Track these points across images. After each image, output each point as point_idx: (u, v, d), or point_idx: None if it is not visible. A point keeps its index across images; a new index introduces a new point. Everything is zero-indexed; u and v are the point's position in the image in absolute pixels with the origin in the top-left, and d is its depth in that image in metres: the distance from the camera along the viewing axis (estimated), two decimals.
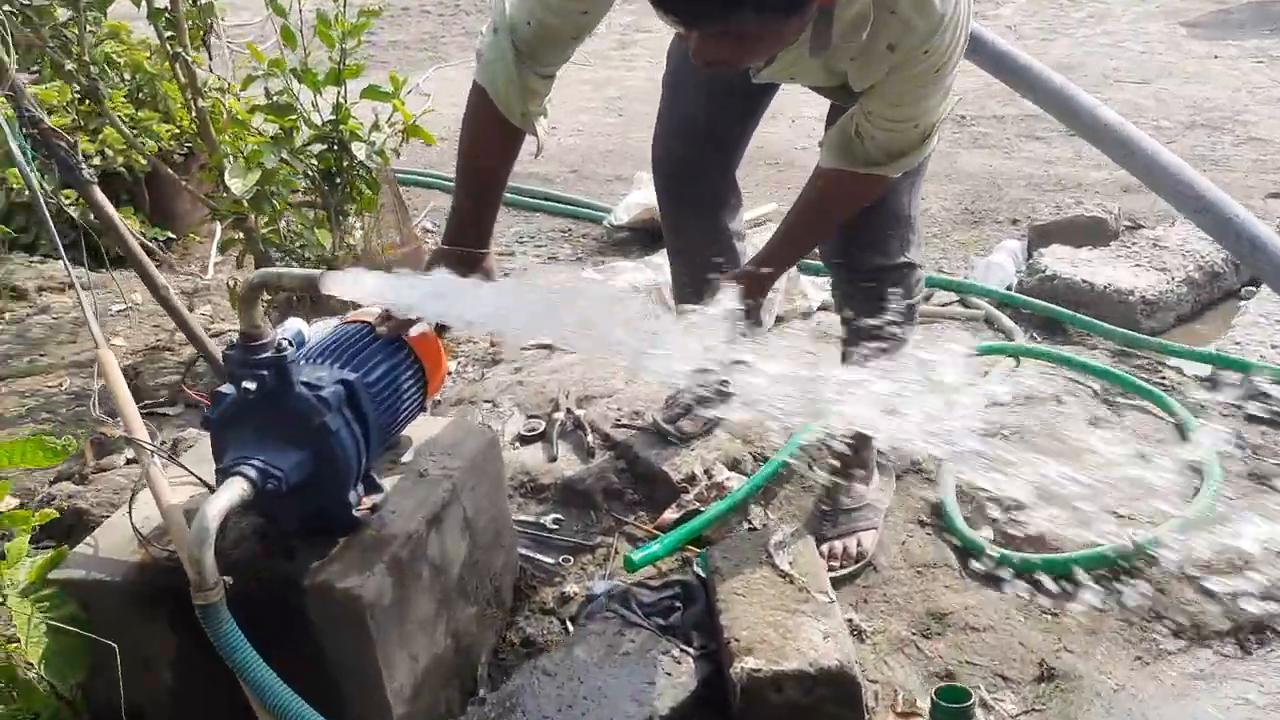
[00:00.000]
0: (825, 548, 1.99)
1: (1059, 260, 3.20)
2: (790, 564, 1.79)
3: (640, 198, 3.94)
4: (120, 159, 3.56)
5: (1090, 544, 1.89)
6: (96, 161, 3.59)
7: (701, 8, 1.19)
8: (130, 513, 1.59)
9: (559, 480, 2.24)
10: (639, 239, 3.93)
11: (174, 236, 3.88)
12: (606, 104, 6.20)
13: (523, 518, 2.16)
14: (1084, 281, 3.06)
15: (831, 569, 1.95)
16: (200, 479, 1.59)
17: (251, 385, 1.45)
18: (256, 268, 2.76)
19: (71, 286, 3.39)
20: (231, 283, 2.73)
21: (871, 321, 1.94)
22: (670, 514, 2.13)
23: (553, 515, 2.16)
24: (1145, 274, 3.10)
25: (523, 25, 1.56)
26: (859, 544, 2.01)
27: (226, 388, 1.50)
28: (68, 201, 3.51)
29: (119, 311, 3.16)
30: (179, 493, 1.60)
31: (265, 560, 1.55)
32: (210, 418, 1.52)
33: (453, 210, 1.77)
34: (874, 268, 1.93)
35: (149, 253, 3.77)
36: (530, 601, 1.97)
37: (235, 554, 1.55)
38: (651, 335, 1.18)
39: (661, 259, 3.04)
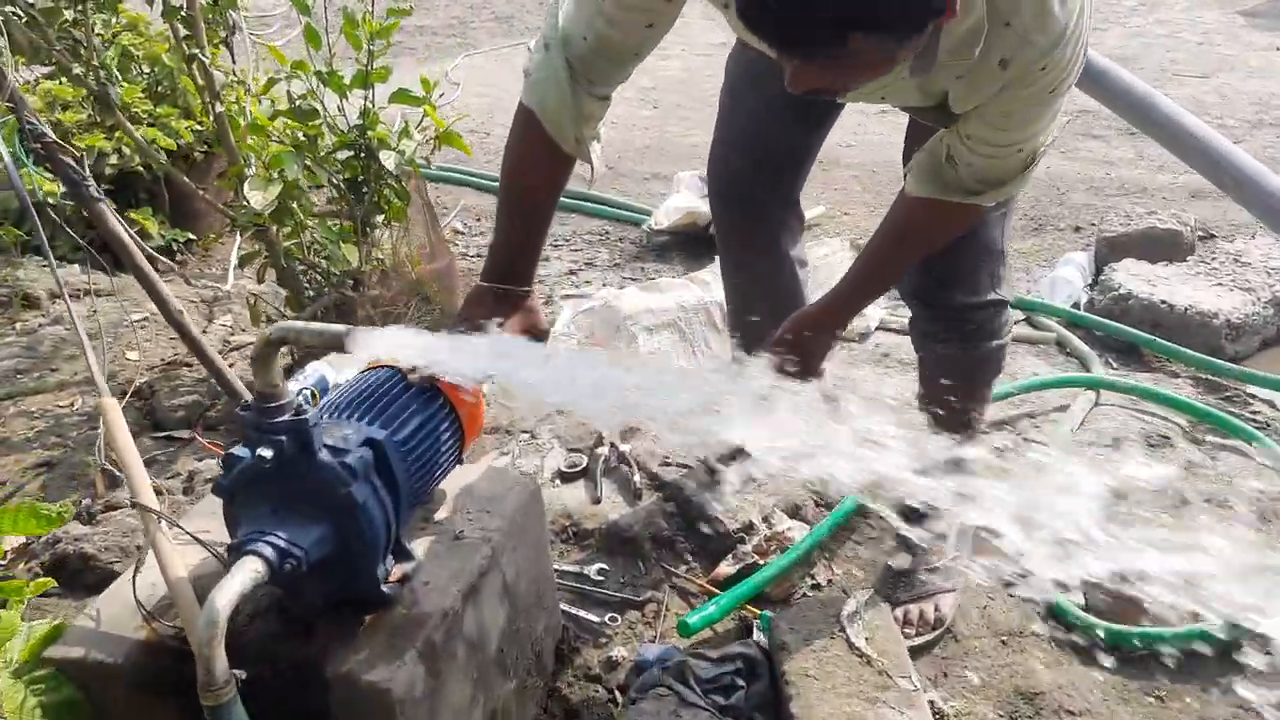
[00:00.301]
0: (900, 612, 1.81)
1: (1133, 277, 2.98)
2: (867, 640, 1.61)
3: (681, 201, 3.75)
4: (137, 158, 3.40)
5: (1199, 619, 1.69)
6: (114, 160, 3.44)
7: (809, 35, 1.00)
8: (135, 581, 1.43)
9: (603, 525, 2.07)
10: (679, 244, 3.74)
11: (195, 238, 3.72)
12: (641, 95, 5.99)
13: (564, 567, 1.98)
14: (1162, 302, 2.84)
15: (906, 636, 1.76)
16: (211, 550, 1.41)
17: (268, 453, 1.27)
18: (278, 281, 2.59)
19: (88, 293, 3.26)
20: (251, 299, 2.56)
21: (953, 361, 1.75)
22: (726, 567, 1.95)
23: (597, 565, 1.98)
24: (1228, 294, 2.88)
25: (578, 40, 1.37)
26: (937, 609, 1.82)
27: (240, 450, 1.33)
28: None
29: (136, 321, 3.00)
30: (189, 553, 1.44)
31: (283, 642, 1.38)
32: (222, 485, 1.34)
33: (494, 241, 1.58)
34: (960, 306, 1.73)
35: (168, 256, 3.63)
36: (573, 665, 1.80)
37: (249, 632, 1.39)
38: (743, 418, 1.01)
39: (709, 275, 2.85)
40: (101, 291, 3.14)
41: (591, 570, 1.97)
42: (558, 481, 2.21)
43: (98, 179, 3.43)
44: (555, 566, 1.94)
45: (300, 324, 1.30)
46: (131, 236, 2.11)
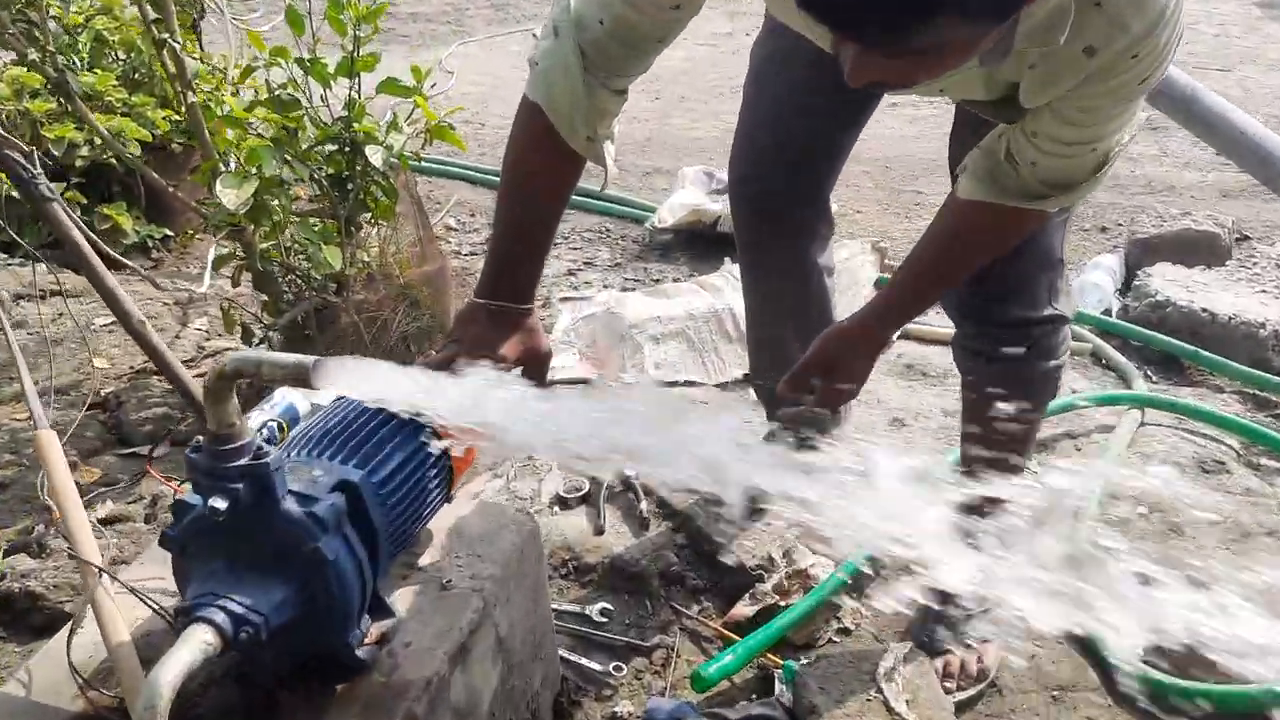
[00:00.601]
0: (939, 663, 1.62)
1: (1170, 283, 2.80)
2: (908, 702, 1.43)
3: (686, 197, 3.57)
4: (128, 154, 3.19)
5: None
6: (85, 151, 3.24)
7: (883, 19, 0.81)
8: (69, 644, 1.24)
9: (607, 559, 1.88)
10: (684, 243, 3.55)
11: (172, 234, 3.52)
12: (641, 85, 5.76)
13: (563, 607, 1.80)
14: (1203, 310, 2.66)
15: (946, 690, 1.58)
16: (158, 610, 1.23)
17: (221, 504, 1.08)
18: (255, 285, 2.40)
19: (56, 294, 3.06)
20: (226, 305, 2.37)
21: (1003, 389, 1.57)
22: (743, 608, 1.77)
23: (600, 605, 1.80)
24: (1274, 302, 2.70)
25: (594, 24, 1.18)
26: (979, 659, 1.64)
27: (192, 495, 1.15)
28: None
29: (104, 325, 2.81)
30: (135, 608, 1.26)
31: (241, 716, 1.20)
32: (170, 536, 1.16)
33: (490, 250, 1.39)
34: (1014, 322, 1.55)
35: (143, 254, 3.43)
36: (573, 719, 1.61)
37: (202, 703, 1.20)
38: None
39: (720, 280, 2.67)
40: (68, 292, 2.95)
41: (593, 610, 1.79)
42: (556, 509, 2.03)
43: (68, 171, 3.27)
44: (553, 606, 1.76)
45: (259, 354, 1.10)
46: (87, 236, 1.92)
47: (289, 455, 1.26)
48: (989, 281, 1.51)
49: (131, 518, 1.98)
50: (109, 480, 2.12)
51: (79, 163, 3.24)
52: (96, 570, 1.24)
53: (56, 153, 3.16)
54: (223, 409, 1.11)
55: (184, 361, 2.69)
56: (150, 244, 3.44)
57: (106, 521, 1.98)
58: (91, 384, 2.53)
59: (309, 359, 1.07)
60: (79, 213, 3.22)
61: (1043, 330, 1.55)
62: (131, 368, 2.60)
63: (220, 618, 1.07)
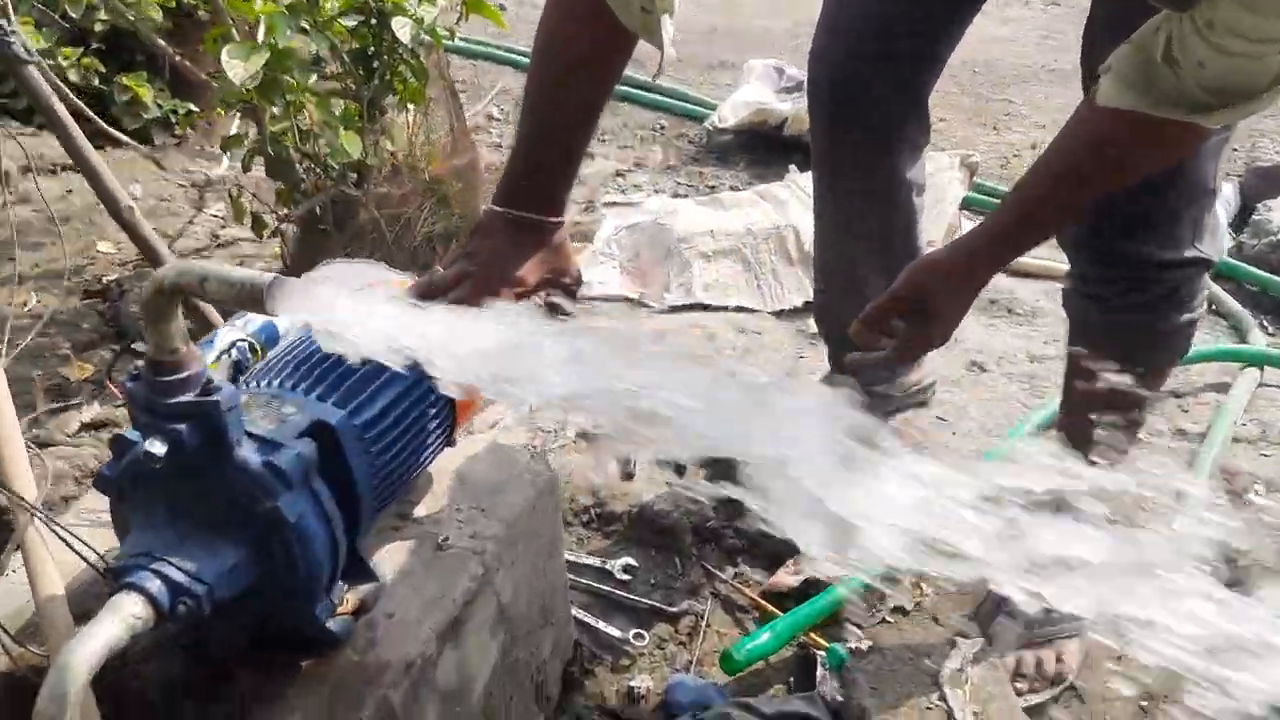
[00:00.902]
0: (1011, 660, 1.41)
1: None
2: (975, 715, 1.21)
3: (750, 94, 3.26)
4: (130, 15, 2.95)
5: None
6: (103, 15, 2.99)
7: None
8: None
9: (635, 508, 1.68)
10: (745, 146, 3.27)
11: (196, 109, 3.29)
12: None
13: (582, 560, 1.60)
14: None
15: (1018, 693, 1.37)
16: (95, 564, 1.03)
17: (159, 449, 0.88)
18: (267, 171, 2.17)
19: (68, 168, 2.86)
20: (235, 191, 2.15)
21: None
22: (786, 576, 1.56)
23: (624, 560, 1.60)
24: None
25: None
26: (1059, 659, 1.42)
27: (133, 432, 0.94)
28: (67, 63, 2.95)
29: None
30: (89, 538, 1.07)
31: (187, 697, 1.01)
32: (106, 476, 0.96)
33: (515, 150, 1.16)
34: (1148, 262, 1.28)
35: (166, 130, 3.22)
36: (584, 692, 1.43)
37: (143, 674, 1.02)
38: None
39: (784, 192, 2.39)
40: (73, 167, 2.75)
41: (616, 567, 1.58)
42: (581, 442, 1.81)
43: (87, 35, 3.04)
44: (570, 558, 1.56)
45: (206, 267, 0.88)
46: (72, 106, 1.69)
47: (258, 385, 1.06)
48: (1120, 210, 1.23)
49: (119, 423, 1.81)
50: (96, 379, 1.95)
51: (98, 27, 3.01)
52: (30, 513, 1.05)
53: (74, 14, 2.93)
54: (164, 331, 0.90)
55: (196, 251, 2.50)
56: (173, 119, 3.21)
57: (92, 426, 1.82)
58: (96, 270, 2.35)
59: (265, 276, 0.85)
60: (96, 82, 3.01)
61: (1183, 275, 1.29)
62: (138, 255, 2.40)
63: (155, 586, 0.87)
